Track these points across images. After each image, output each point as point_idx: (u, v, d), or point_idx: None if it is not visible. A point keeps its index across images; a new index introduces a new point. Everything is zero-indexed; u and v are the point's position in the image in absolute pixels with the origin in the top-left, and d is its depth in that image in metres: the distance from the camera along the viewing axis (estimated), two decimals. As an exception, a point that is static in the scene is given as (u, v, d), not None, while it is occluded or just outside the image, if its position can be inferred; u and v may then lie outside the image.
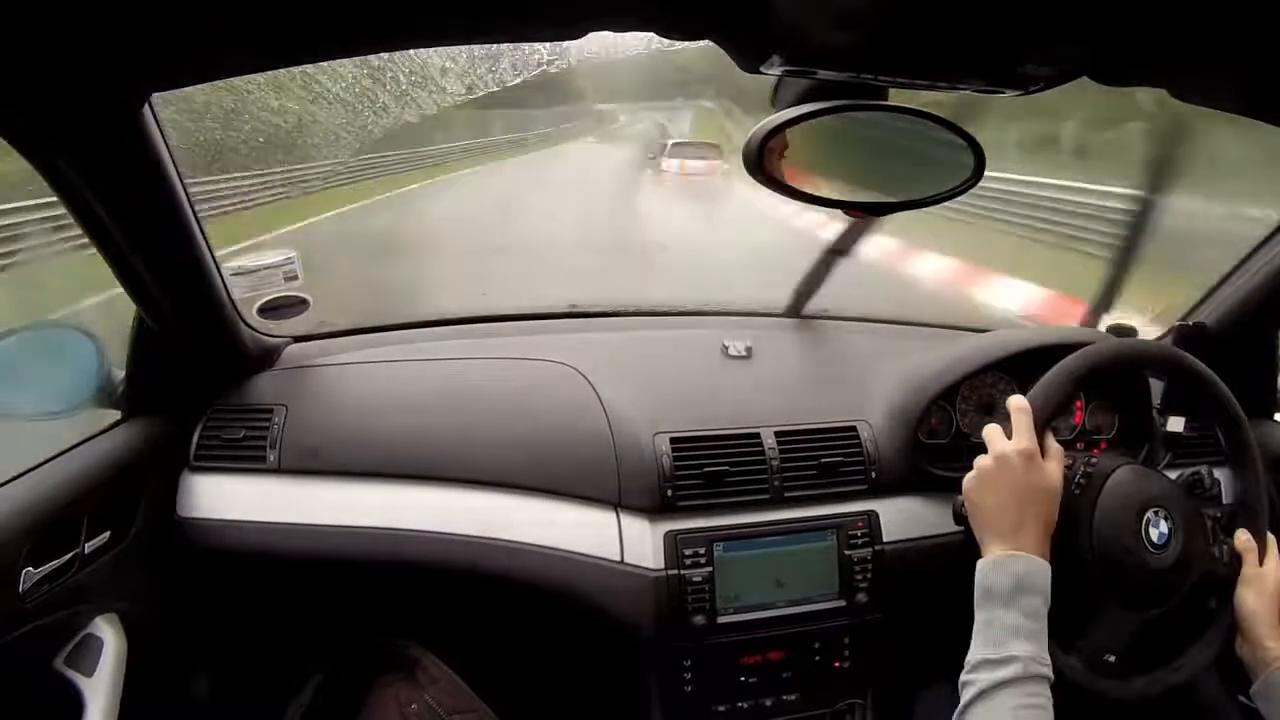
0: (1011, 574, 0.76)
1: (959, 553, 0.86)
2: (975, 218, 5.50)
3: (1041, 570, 0.77)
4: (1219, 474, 0.94)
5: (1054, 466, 0.82)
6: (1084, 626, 0.86)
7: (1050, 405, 0.86)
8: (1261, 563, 0.88)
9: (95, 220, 0.81)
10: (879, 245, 4.43)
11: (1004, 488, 0.79)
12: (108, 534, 0.93)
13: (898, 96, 0.62)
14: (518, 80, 0.87)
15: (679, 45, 0.57)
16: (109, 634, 0.90)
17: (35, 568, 0.81)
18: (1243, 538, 0.90)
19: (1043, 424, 0.84)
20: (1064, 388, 0.86)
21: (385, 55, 0.86)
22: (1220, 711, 1.02)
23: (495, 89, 0.89)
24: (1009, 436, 0.82)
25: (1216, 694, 1.03)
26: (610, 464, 1.08)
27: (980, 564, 0.78)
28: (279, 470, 1.08)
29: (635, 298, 1.50)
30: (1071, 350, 0.89)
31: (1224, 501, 0.92)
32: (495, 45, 0.83)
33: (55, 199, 0.76)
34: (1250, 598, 0.86)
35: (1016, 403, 0.84)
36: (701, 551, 1.04)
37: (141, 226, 0.84)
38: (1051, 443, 0.84)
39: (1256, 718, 0.83)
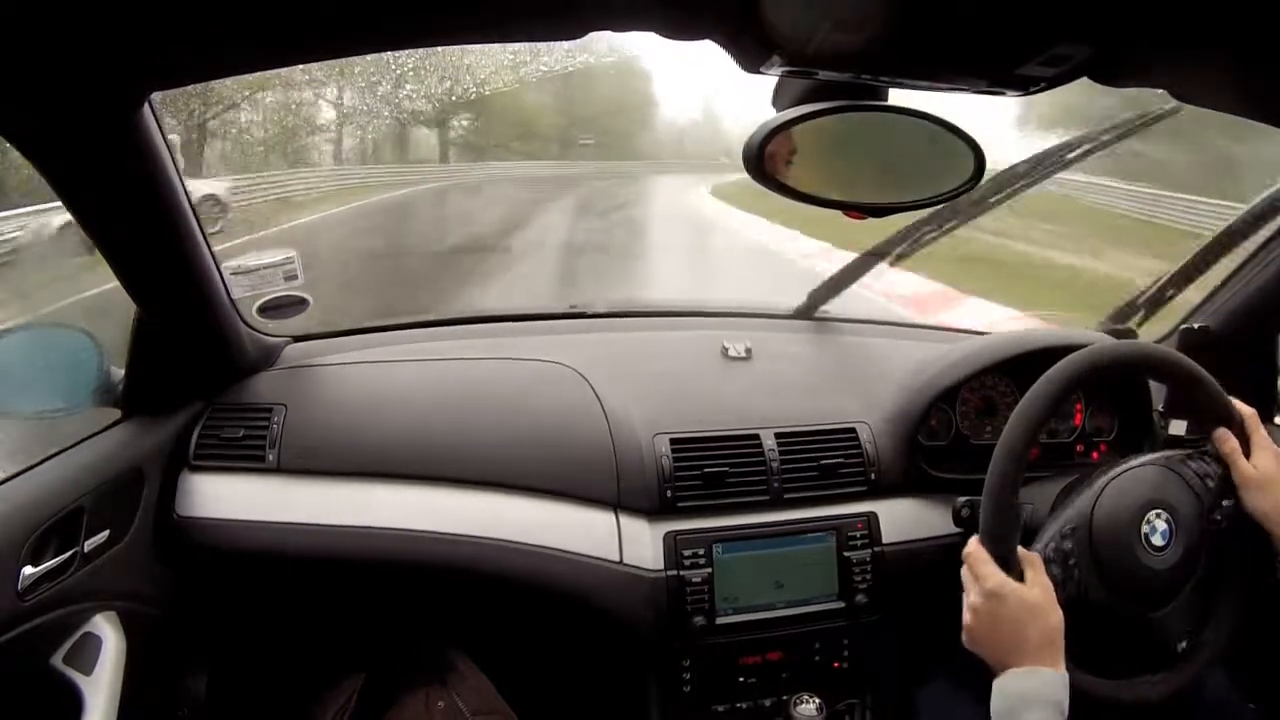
0: (1011, 694, 0.76)
1: (958, 554, 0.86)
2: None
3: (1048, 681, 0.75)
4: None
5: (1033, 576, 0.81)
6: (1085, 630, 0.85)
7: (1046, 408, 0.85)
8: (1248, 457, 0.88)
9: (95, 219, 0.81)
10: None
11: (991, 627, 0.80)
12: (107, 532, 0.93)
13: (898, 97, 0.62)
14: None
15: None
16: (108, 632, 0.90)
17: (34, 566, 0.81)
18: (1223, 437, 0.89)
19: (1015, 482, 0.83)
20: (1060, 390, 0.86)
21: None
22: (1230, 715, 1.02)
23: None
24: (977, 576, 0.82)
25: (1226, 697, 1.02)
26: (609, 464, 1.08)
27: (993, 688, 0.79)
28: (278, 470, 1.08)
29: (635, 298, 1.50)
30: (1070, 352, 0.89)
31: (1223, 503, 0.92)
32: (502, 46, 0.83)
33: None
34: (1259, 499, 0.86)
35: (970, 549, 0.84)
36: (701, 552, 1.04)
37: (141, 225, 0.84)
38: (1023, 553, 0.83)
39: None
